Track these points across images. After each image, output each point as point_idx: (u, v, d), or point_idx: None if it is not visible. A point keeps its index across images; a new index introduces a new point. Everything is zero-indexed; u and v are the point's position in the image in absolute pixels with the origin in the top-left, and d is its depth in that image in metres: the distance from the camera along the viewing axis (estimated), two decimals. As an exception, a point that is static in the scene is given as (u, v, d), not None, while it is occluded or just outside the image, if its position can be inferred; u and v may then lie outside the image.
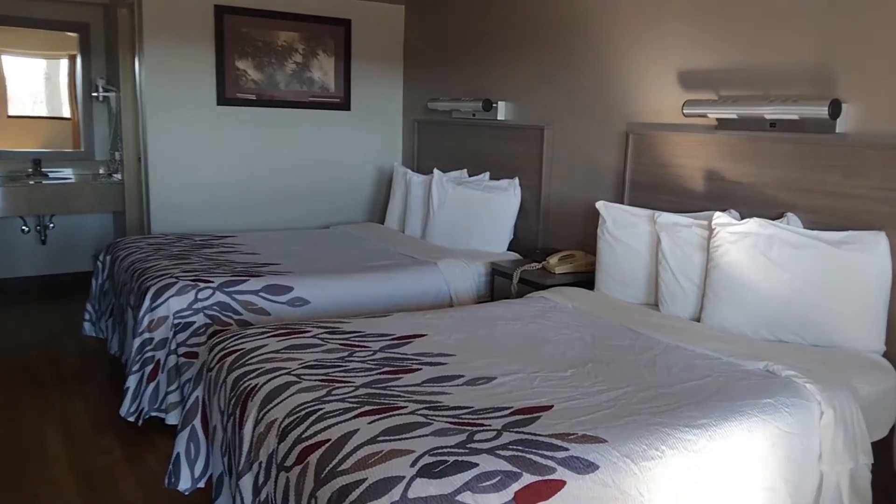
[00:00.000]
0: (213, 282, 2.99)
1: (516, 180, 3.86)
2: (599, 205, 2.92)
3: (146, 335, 2.84)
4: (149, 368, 2.84)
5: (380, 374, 1.97)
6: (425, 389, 1.87)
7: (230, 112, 4.50)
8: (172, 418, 2.81)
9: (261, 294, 3.03)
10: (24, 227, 4.92)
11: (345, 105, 4.84)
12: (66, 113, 5.22)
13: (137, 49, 4.30)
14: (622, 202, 3.11)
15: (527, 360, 2.13)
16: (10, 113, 5.08)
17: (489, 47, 4.15)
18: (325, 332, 2.30)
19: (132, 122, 4.60)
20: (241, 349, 2.13)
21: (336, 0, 4.69)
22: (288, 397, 1.79)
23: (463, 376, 1.97)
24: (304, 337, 2.24)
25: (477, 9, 4.24)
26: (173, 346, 2.86)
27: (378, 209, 5.01)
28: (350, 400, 1.76)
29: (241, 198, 4.62)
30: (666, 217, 2.68)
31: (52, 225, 5.01)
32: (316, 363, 2.02)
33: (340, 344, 2.20)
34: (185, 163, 4.42)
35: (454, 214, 3.95)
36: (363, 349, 2.17)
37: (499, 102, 4.03)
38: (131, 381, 2.82)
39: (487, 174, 4.10)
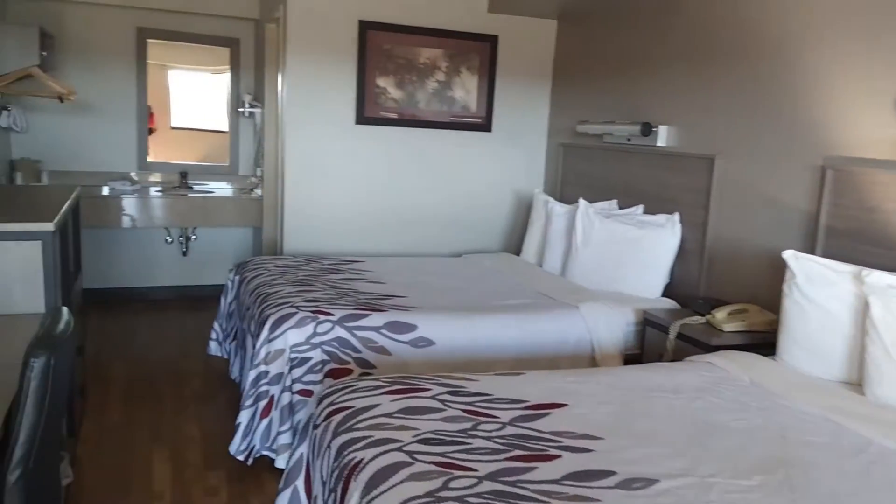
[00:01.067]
0: (333, 315, 2.75)
1: (676, 216, 3.37)
2: (788, 255, 2.40)
3: (262, 367, 2.65)
4: (262, 404, 2.64)
5: (509, 458, 1.61)
6: (566, 490, 1.48)
7: (368, 131, 4.34)
8: (281, 462, 2.59)
9: (382, 331, 2.76)
10: (167, 238, 5.01)
11: (486, 126, 4.55)
12: (222, 126, 5.30)
13: (280, 64, 4.24)
14: (814, 252, 2.56)
15: (696, 455, 1.68)
16: (173, 125, 5.26)
17: (649, 64, 3.69)
18: (447, 393, 1.97)
19: (274, 138, 4.56)
20: (352, 407, 1.85)
21: (484, 15, 4.42)
22: (396, 484, 1.47)
23: (614, 473, 1.57)
24: (422, 397, 1.92)
25: (637, 21, 3.81)
26: (288, 383, 2.65)
27: (515, 239, 4.66)
28: (470, 500, 1.41)
29: (373, 219, 4.44)
30: (879, 277, 2.13)
31: (194, 237, 5.09)
32: (433, 436, 1.69)
33: (464, 410, 1.86)
34: (319, 181, 4.30)
35: (600, 251, 3.52)
36: (490, 420, 1.81)
37: (659, 127, 3.57)
38: (243, 417, 2.64)
39: (641, 207, 3.64)
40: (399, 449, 1.61)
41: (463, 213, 4.61)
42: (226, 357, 3.55)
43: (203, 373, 3.75)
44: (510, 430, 1.76)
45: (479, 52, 4.43)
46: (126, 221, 4.54)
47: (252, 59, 5.17)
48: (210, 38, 5.07)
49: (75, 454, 2.78)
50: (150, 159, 5.03)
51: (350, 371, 2.69)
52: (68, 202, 2.68)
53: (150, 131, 5.05)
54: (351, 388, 1.96)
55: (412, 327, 2.80)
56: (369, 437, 1.68)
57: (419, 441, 1.66)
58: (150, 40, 4.89)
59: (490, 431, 1.75)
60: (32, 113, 4.57)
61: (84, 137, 4.76)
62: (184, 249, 5.07)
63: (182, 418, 3.20)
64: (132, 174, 4.94)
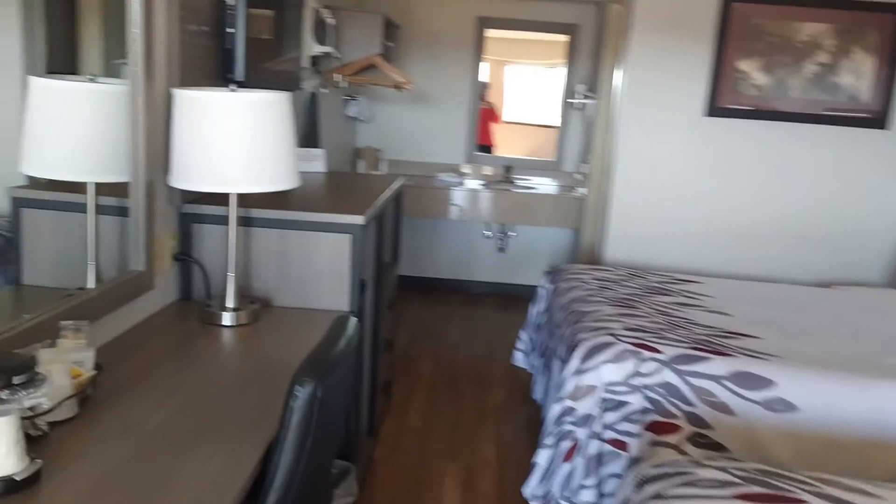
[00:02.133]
0: (661, 352, 2.21)
1: None
2: None
3: (567, 403, 2.22)
4: (565, 446, 2.22)
5: None
6: None
7: (719, 125, 3.64)
8: (582, 522, 2.15)
9: (726, 383, 2.14)
10: (486, 232, 4.89)
11: (879, 122, 3.53)
12: (552, 121, 5.02)
13: (620, 49, 3.75)
14: None
15: None
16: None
17: None
18: (838, 514, 1.32)
19: (604, 132, 4.10)
20: (686, 510, 1.31)
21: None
22: None
23: None
24: (796, 515, 1.30)
25: None
26: (598, 428, 2.18)
27: (908, 270, 3.57)
28: None
29: (713, 230, 3.74)
30: None
31: (513, 234, 4.89)
32: None
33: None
34: (652, 182, 3.73)
35: None
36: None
37: None
38: (541, 458, 2.24)
39: None
40: None
41: (834, 231, 3.66)
42: (530, 372, 3.21)
43: (506, 383, 3.48)
44: None
45: (880, 26, 3.43)
46: (449, 213, 4.49)
47: (590, 46, 4.77)
48: (549, 25, 4.78)
49: (371, 456, 2.66)
50: (476, 152, 4.94)
51: (677, 428, 2.13)
52: (387, 193, 2.54)
53: (486, 127, 4.96)
54: (685, 478, 1.41)
55: (768, 383, 2.13)
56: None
57: None
58: (487, 31, 4.77)
59: None
60: (377, 103, 4.76)
61: (420, 127, 4.83)
62: (501, 246, 4.90)
63: (479, 433, 2.93)
64: (461, 166, 4.89)
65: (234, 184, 1.70)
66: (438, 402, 3.21)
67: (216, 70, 2.14)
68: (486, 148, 5.05)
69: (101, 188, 1.69)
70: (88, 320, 1.50)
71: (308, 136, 3.20)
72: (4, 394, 0.99)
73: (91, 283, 1.67)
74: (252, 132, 1.68)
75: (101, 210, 1.69)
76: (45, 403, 1.02)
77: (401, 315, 4.25)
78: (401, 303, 4.45)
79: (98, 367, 1.38)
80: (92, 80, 1.66)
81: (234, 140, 1.67)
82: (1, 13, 1.45)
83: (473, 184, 4.66)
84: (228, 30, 2.11)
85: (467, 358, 3.77)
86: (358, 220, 1.99)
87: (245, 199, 2.00)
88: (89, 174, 1.71)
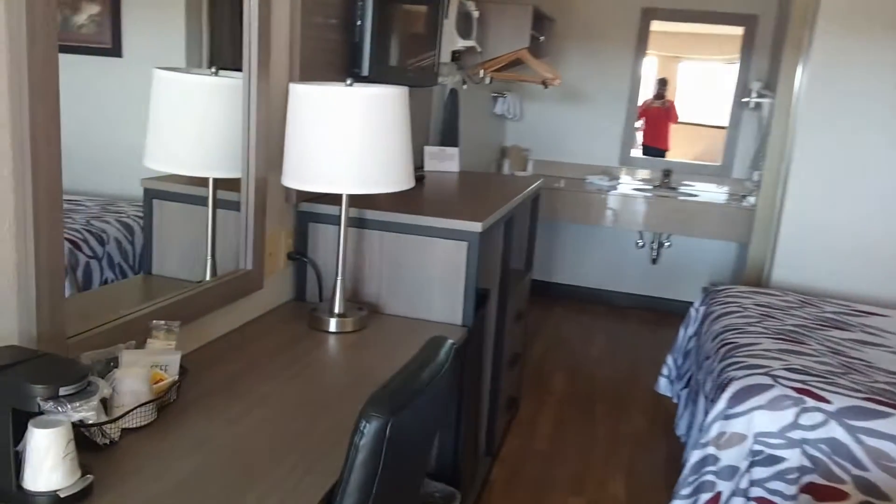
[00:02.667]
0: (829, 402, 1.85)
1: None
2: None
3: (710, 450, 1.92)
4: (704, 499, 1.92)
5: None
6: None
7: (924, 131, 3.08)
8: (716, 590, 1.84)
9: (913, 448, 1.74)
10: (639, 241, 4.54)
11: None
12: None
13: (804, 41, 3.28)
14: None
15: None
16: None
17: None
18: None
19: (782, 135, 3.63)
20: None
21: None
22: None
23: None
24: None
25: None
26: (744, 484, 1.87)
27: None
28: None
29: (911, 255, 3.18)
30: None
31: (668, 244, 4.50)
32: None
33: None
34: (833, 194, 3.23)
35: None
36: None
37: None
38: (674, 508, 1.96)
39: None
40: None
41: None
42: (675, 402, 2.89)
43: (647, 410, 3.16)
44: None
45: None
46: (598, 219, 4.20)
47: (768, 39, 4.26)
48: (723, 17, 4.33)
49: (488, 478, 2.50)
50: (633, 154, 4.60)
51: (843, 496, 1.76)
52: (518, 197, 2.35)
53: (662, 128, 4.61)
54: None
55: (970, 455, 1.70)
56: None
57: None
58: (653, 23, 4.41)
59: None
60: (527, 101, 4.57)
61: (572, 127, 4.57)
62: (654, 256, 4.53)
63: (611, 464, 2.67)
64: (614, 169, 4.58)
65: (343, 184, 1.59)
66: (569, 423, 2.98)
67: (344, 65, 2.06)
68: (658, 151, 4.68)
69: (225, 183, 1.68)
70: (190, 318, 1.47)
71: (446, 133, 3.08)
72: (49, 405, 0.92)
73: (207, 275, 1.65)
74: (364, 129, 1.57)
75: (220, 205, 1.66)
76: (91, 418, 0.95)
77: (536, 325, 4.04)
78: (537, 310, 4.25)
79: (184, 370, 1.33)
80: (214, 74, 1.63)
81: (346, 137, 1.56)
82: (168, 11, 1.48)
83: (627, 188, 4.33)
84: (358, 23, 2.02)
85: (606, 377, 3.49)
86: (475, 227, 1.83)
87: (360, 200, 1.91)
88: (206, 169, 1.68)
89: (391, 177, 1.62)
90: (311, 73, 1.88)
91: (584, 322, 4.28)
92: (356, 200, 1.90)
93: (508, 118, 4.47)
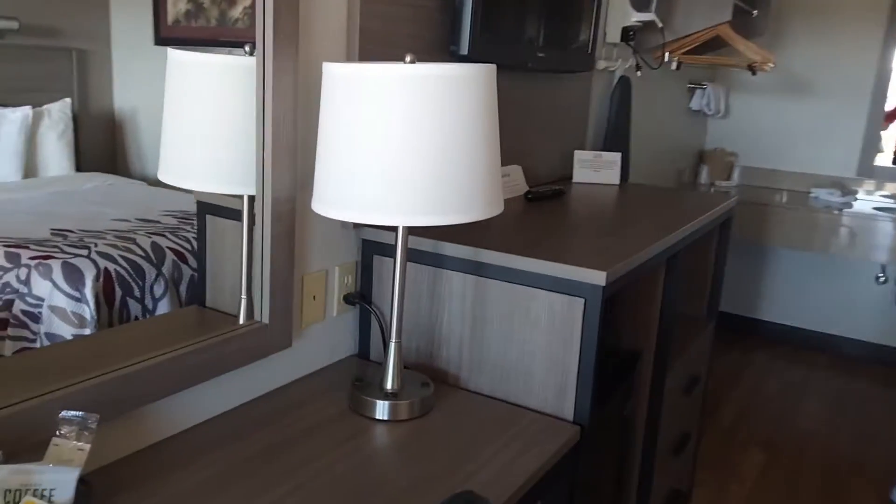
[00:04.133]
0: None
1: None
2: None
3: None
4: None
5: None
6: None
7: None
8: None
9: None
10: (880, 276, 3.49)
11: None
12: None
13: None
14: None
15: None
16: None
17: None
18: None
19: None
20: None
21: None
22: None
23: None
24: None
25: None
26: None
27: None
28: None
29: None
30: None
31: (923, 280, 3.41)
32: None
33: None
34: None
35: None
36: None
37: None
38: None
39: None
40: None
41: None
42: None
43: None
44: None
45: None
46: (826, 244, 3.24)
47: None
48: None
49: None
50: (879, 164, 3.54)
51: None
52: (691, 227, 1.66)
53: None
54: None
55: None
56: None
57: None
58: (917, -10, 3.35)
59: None
60: (735, 93, 3.70)
61: (792, 127, 3.63)
62: (901, 297, 3.46)
63: None
64: (849, 181, 3.56)
65: (397, 212, 1.05)
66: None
67: (440, 39, 1.52)
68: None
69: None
70: (157, 396, 1.04)
71: (611, 134, 2.42)
72: None
73: (242, 319, 1.22)
74: (415, 128, 1.02)
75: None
76: None
77: (729, 375, 3.20)
78: (733, 354, 3.39)
79: (86, 494, 0.88)
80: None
81: (394, 140, 1.02)
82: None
83: (867, 206, 3.32)
84: (459, -17, 1.48)
85: (821, 457, 2.60)
86: (597, 277, 1.20)
87: (437, 228, 1.36)
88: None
89: (471, 199, 1.06)
90: (383, 48, 1.37)
91: (797, 376, 3.34)
92: (429, 229, 1.36)
93: (709, 115, 3.64)
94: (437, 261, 1.35)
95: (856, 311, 3.56)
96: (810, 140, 3.59)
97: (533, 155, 2.05)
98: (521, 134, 1.97)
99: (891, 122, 3.52)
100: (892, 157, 3.57)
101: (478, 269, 1.31)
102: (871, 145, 3.50)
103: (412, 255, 1.37)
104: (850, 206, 3.31)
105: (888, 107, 3.48)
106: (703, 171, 3.62)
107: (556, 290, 1.24)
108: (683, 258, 2.09)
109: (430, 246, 1.35)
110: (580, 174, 2.18)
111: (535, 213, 1.67)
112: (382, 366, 1.24)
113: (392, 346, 1.22)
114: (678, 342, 1.94)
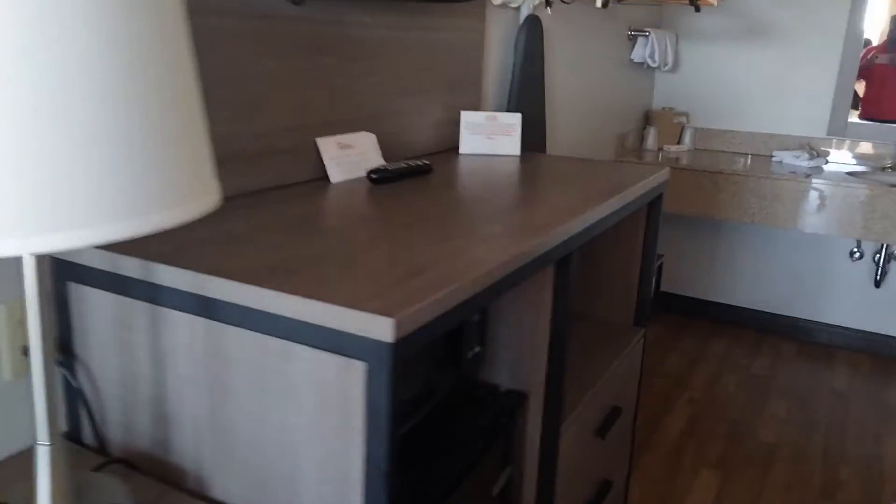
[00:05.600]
0: None
1: None
2: None
3: None
4: None
5: None
6: None
7: None
8: None
9: None
10: (854, 251, 3.03)
11: None
12: None
13: None
14: None
15: None
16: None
17: None
18: None
19: None
20: None
21: None
22: None
23: None
24: None
25: None
26: None
27: None
28: None
29: None
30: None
31: (902, 256, 2.96)
32: None
33: None
34: None
35: None
36: None
37: None
38: None
39: None
40: None
41: None
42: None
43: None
44: None
45: None
46: (792, 217, 2.76)
47: None
48: None
49: None
50: (853, 120, 3.06)
51: None
52: (593, 215, 1.16)
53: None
54: None
55: None
56: None
57: None
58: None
59: None
60: (685, 41, 3.19)
61: (754, 80, 3.12)
62: (878, 276, 3.00)
63: None
64: (819, 142, 3.08)
65: (14, 231, 0.51)
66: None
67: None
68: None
69: None
70: None
71: (521, 90, 1.90)
72: None
73: None
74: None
75: None
76: None
77: (679, 368, 2.73)
78: (684, 344, 2.90)
79: None
80: None
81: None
82: None
83: (840, 170, 2.85)
84: None
85: (790, 471, 2.15)
86: (378, 329, 0.68)
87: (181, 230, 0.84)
88: None
89: (105, 201, 0.53)
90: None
91: (763, 367, 2.89)
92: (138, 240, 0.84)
93: (653, 67, 3.14)
94: (152, 293, 0.82)
95: (829, 292, 3.10)
96: (773, 95, 3.10)
97: (404, 119, 1.52)
98: (382, 90, 1.43)
99: (860, 77, 3.03)
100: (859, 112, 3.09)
101: (208, 307, 0.79)
102: (844, 100, 3.01)
103: (113, 283, 0.85)
104: (821, 170, 2.84)
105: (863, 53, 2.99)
106: (650, 135, 3.11)
107: (324, 348, 0.72)
108: (604, 251, 1.60)
109: (138, 269, 0.82)
110: (469, 143, 1.66)
111: (371, 203, 1.15)
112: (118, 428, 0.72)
113: (39, 450, 0.70)
114: (589, 368, 1.45)
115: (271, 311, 0.74)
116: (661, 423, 2.43)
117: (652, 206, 1.60)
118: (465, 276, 0.80)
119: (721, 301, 3.29)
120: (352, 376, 0.71)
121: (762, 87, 3.10)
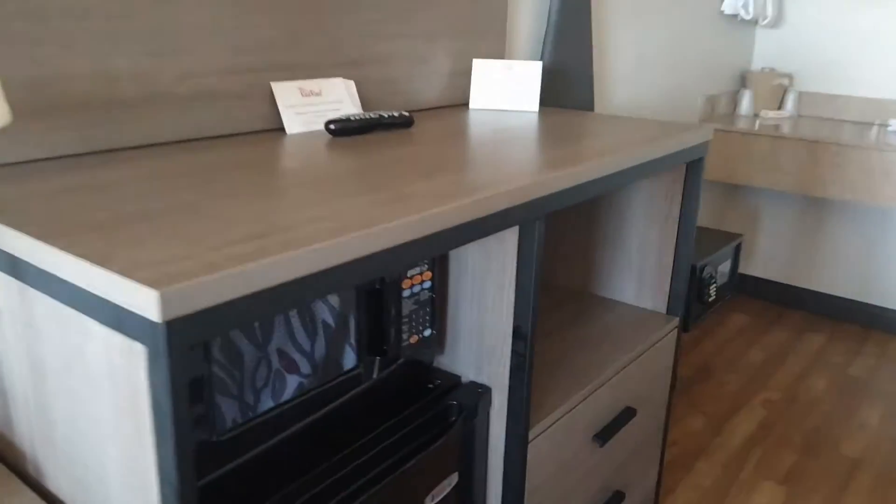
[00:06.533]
0: None
1: None
2: None
3: None
4: None
5: None
6: None
7: None
8: None
9: None
10: None
11: None
12: None
13: None
14: None
15: None
16: None
17: None
18: None
19: None
20: None
21: None
22: None
23: None
24: None
25: None
26: None
27: None
28: None
29: None
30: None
31: None
32: None
33: None
34: None
35: None
36: None
37: None
38: None
39: None
40: None
41: None
42: None
43: None
44: None
45: None
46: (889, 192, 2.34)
47: None
48: None
49: None
50: None
51: None
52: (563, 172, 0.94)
53: None
54: None
55: None
56: None
57: None
58: None
59: None
60: (794, -6, 2.77)
61: (871, 39, 2.67)
62: None
63: None
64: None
65: None
66: None
67: None
68: None
69: None
70: None
71: (555, 39, 1.66)
72: None
73: None
74: None
75: None
76: None
77: (765, 374, 2.39)
78: (782, 341, 2.52)
79: None
80: None
81: None
82: None
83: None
84: None
85: (878, 490, 1.81)
86: (146, 302, 0.52)
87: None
88: None
89: None
90: None
91: (859, 369, 2.49)
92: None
93: (747, 20, 2.75)
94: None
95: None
96: (888, 57, 2.63)
97: (400, 66, 1.34)
98: (371, 29, 1.26)
99: None
100: None
101: (15, 267, 0.66)
102: None
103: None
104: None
105: None
106: (745, 99, 2.74)
107: (109, 325, 0.58)
108: (634, 226, 1.38)
109: (-41, 220, 0.70)
110: (480, 96, 1.45)
111: (306, 156, 0.99)
112: None
113: None
114: (594, 360, 1.23)
115: (62, 276, 0.60)
116: (725, 427, 2.14)
117: (690, 171, 1.33)
118: (315, 241, 0.62)
119: (822, 291, 2.89)
120: (134, 361, 0.56)
121: (881, 45, 2.64)
